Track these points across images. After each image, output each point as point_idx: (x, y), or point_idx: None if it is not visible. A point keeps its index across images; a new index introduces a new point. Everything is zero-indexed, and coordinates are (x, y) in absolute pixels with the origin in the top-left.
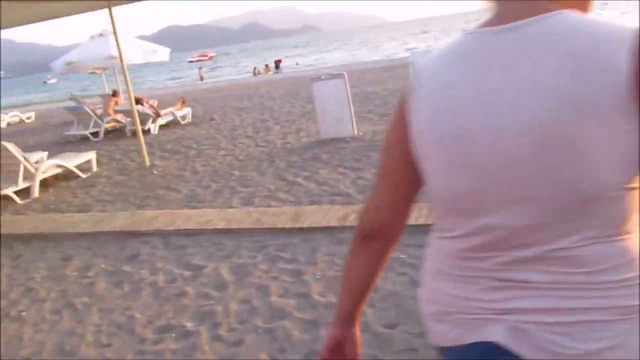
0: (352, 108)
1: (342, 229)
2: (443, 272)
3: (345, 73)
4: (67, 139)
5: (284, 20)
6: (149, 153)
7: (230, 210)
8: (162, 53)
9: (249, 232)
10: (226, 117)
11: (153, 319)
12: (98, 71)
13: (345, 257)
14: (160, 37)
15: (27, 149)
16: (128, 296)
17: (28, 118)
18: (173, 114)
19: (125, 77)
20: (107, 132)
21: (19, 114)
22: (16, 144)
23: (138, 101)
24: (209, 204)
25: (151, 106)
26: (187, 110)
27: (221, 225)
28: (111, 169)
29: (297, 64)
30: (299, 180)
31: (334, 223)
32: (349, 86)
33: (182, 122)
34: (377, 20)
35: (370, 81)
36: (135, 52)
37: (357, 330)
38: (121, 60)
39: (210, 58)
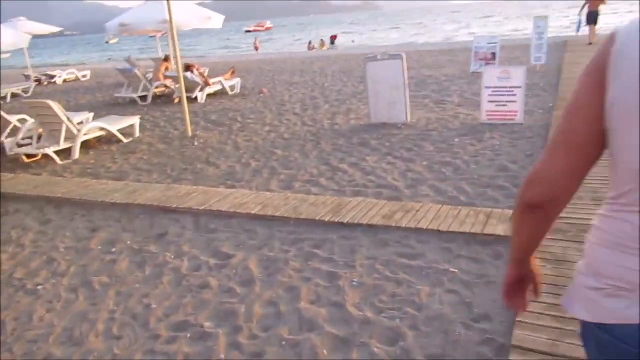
0: (407, 92)
1: (386, 228)
2: (627, 246)
3: (403, 54)
4: (117, 101)
5: None
6: (192, 122)
7: (268, 193)
8: (216, 20)
9: (285, 221)
10: (275, 91)
11: (170, 312)
12: (152, 34)
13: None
14: (217, 5)
15: (77, 107)
16: (148, 281)
17: (84, 76)
18: (222, 83)
19: (174, 42)
20: (156, 96)
21: (75, 71)
22: (68, 101)
23: (187, 68)
24: (246, 184)
25: (201, 74)
26: (236, 81)
27: (256, 209)
28: (153, 136)
29: (353, 41)
30: (344, 166)
31: (377, 221)
32: (406, 68)
33: (230, 93)
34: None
35: (427, 64)
36: (189, 18)
37: (535, 265)
38: (171, 25)
39: (267, 29)
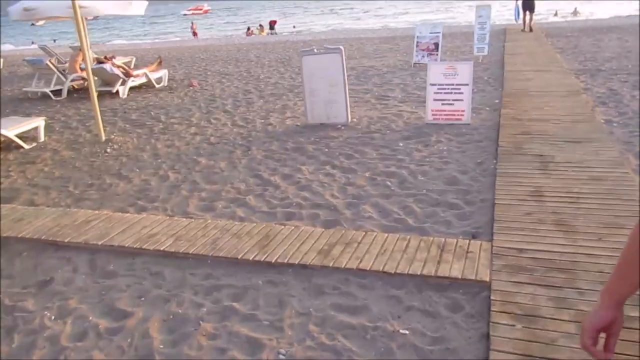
0: (347, 90)
1: (322, 270)
2: None
3: (342, 47)
4: (27, 95)
5: None
6: (109, 123)
7: (184, 220)
8: (138, 6)
9: (201, 260)
10: (206, 84)
11: None
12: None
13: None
14: None
15: None
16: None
17: None
18: (147, 75)
19: (80, 31)
20: (74, 90)
21: None
22: None
23: (101, 61)
24: (161, 205)
25: (120, 66)
26: (162, 73)
27: (167, 244)
28: (61, 141)
29: (294, 27)
30: (276, 179)
31: (312, 259)
32: (345, 62)
33: (157, 86)
34: None
35: (368, 54)
36: (103, 3)
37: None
38: (75, 11)
39: (206, 12)
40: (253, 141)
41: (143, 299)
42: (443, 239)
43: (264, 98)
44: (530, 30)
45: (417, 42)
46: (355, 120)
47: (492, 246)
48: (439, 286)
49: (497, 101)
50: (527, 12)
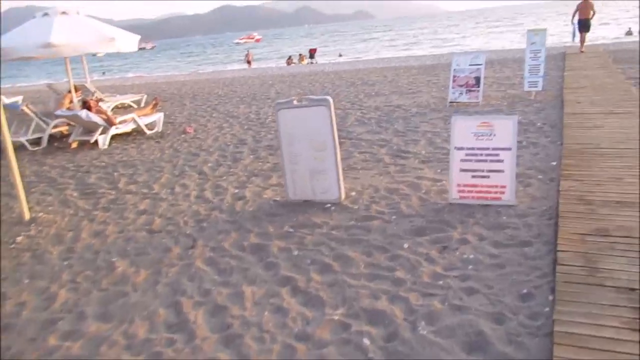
0: (338, 155)
1: None
2: None
3: (330, 98)
4: None
5: (337, 5)
6: (57, 188)
7: None
8: (125, 42)
9: None
10: (204, 129)
11: None
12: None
13: None
14: (213, 16)
15: None
16: None
17: None
18: (135, 121)
19: (67, 69)
20: (64, 135)
21: None
22: None
23: (85, 104)
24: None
25: (102, 112)
26: (157, 117)
27: None
28: None
29: (340, 55)
30: (198, 317)
31: None
32: (334, 115)
33: (148, 133)
34: (432, 9)
35: (401, 88)
36: (81, 41)
37: None
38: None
39: (257, 40)
40: (207, 229)
41: None
42: None
43: (257, 152)
44: (581, 50)
45: (454, 76)
46: (353, 194)
47: None
48: None
49: (554, 163)
50: (584, 32)
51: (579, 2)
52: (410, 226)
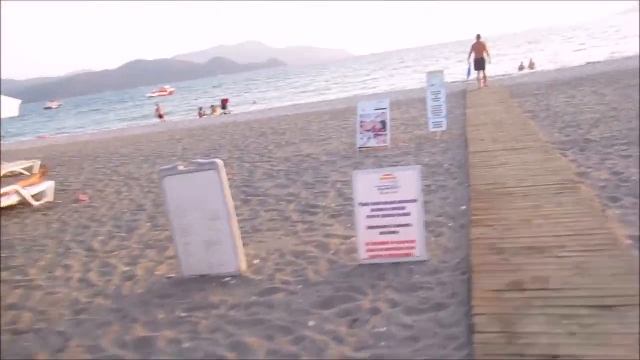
0: (233, 223)
1: None
2: None
3: (219, 161)
4: None
5: (249, 54)
6: None
7: None
8: (5, 107)
9: None
10: (100, 195)
11: None
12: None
13: None
14: (124, 71)
15: None
16: None
17: None
18: (18, 193)
19: None
20: None
21: None
22: None
23: None
24: None
25: None
26: (46, 186)
27: None
28: None
29: (254, 102)
30: None
31: None
32: (225, 178)
33: (35, 204)
34: (342, 54)
35: (311, 135)
36: None
37: None
38: None
39: (170, 93)
40: (84, 322)
41: None
42: None
43: (154, 219)
44: (485, 85)
45: (361, 121)
46: (257, 262)
47: None
48: None
49: (463, 207)
50: (480, 70)
51: (474, 42)
52: (317, 297)
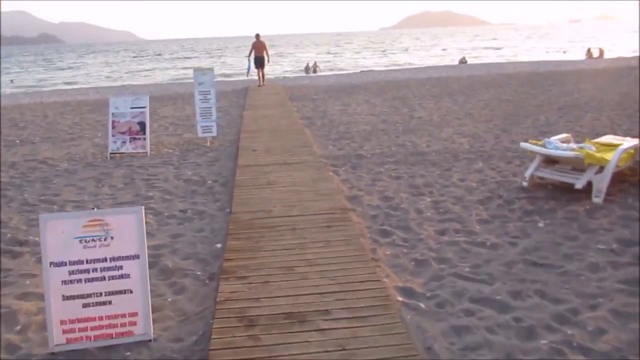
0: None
1: None
2: None
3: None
4: None
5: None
6: None
7: None
8: None
9: None
10: None
11: None
12: None
13: None
14: None
15: None
16: None
17: None
18: None
19: None
20: None
21: None
22: None
23: None
24: None
25: None
26: None
27: None
28: None
29: (11, 81)
30: None
31: None
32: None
33: None
34: (128, 37)
35: (63, 132)
36: None
37: None
38: None
39: None
40: None
41: None
42: None
43: None
44: (263, 84)
45: (114, 121)
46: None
47: None
48: None
49: (219, 245)
50: (259, 69)
51: (254, 41)
52: None
